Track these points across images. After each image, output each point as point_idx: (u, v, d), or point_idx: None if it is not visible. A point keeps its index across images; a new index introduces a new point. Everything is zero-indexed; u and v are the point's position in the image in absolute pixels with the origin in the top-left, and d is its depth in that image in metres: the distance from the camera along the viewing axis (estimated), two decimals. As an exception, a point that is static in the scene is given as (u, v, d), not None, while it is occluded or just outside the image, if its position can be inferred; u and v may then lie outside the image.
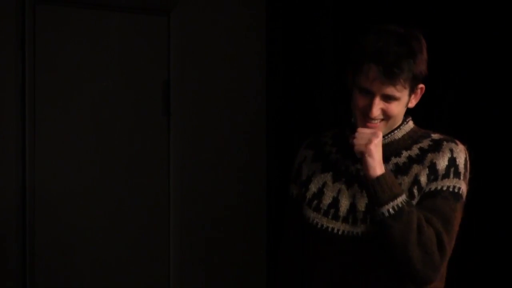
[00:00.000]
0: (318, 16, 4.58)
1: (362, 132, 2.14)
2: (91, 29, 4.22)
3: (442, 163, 2.16)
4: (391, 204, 2.07)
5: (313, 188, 2.29)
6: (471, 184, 2.23)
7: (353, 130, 2.22)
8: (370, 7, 4.26)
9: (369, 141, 2.11)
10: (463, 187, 2.17)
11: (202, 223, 4.58)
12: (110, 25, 4.28)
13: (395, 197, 2.08)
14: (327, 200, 2.25)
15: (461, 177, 2.17)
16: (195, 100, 4.55)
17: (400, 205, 2.07)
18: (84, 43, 4.20)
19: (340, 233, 2.20)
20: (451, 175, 2.16)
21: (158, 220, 4.46)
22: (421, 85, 2.20)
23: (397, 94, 2.14)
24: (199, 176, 4.57)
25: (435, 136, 2.24)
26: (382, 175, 2.09)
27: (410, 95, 2.19)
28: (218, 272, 4.63)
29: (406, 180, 2.17)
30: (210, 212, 4.61)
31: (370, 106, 2.16)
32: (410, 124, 2.28)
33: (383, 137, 2.21)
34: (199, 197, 4.57)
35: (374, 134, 2.13)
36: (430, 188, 2.15)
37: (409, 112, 2.29)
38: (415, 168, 2.18)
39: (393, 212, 2.07)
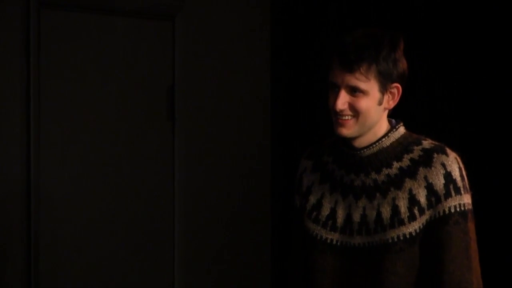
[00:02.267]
0: (323, 22, 4.58)
1: None
2: (96, 33, 4.23)
3: (438, 182, 2.12)
4: None
5: (312, 199, 2.29)
6: (474, 188, 2.21)
7: (343, 140, 2.22)
8: (377, 13, 4.27)
9: None
10: (466, 200, 2.14)
11: (206, 226, 4.59)
12: (115, 29, 4.29)
13: None
14: (325, 211, 2.25)
15: (462, 191, 2.14)
16: (200, 105, 4.56)
17: None
18: (89, 47, 4.21)
19: (338, 244, 2.20)
20: (453, 193, 2.12)
21: (163, 223, 4.47)
22: (396, 84, 2.15)
23: (361, 85, 2.10)
24: (203, 179, 4.58)
25: (426, 144, 2.19)
26: None
27: (382, 93, 2.13)
28: (222, 275, 4.65)
29: (400, 195, 2.14)
30: (214, 215, 4.62)
31: (335, 100, 2.13)
32: (401, 131, 2.23)
33: (371, 145, 2.19)
34: (203, 200, 4.58)
35: None
36: (439, 213, 2.12)
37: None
38: (408, 183, 2.14)
39: None
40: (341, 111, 2.12)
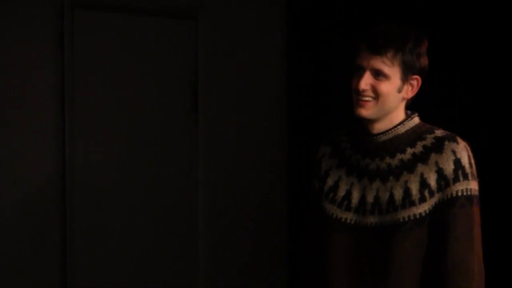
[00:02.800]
0: (338, 20, 4.60)
1: None
2: (126, 31, 4.30)
3: (448, 167, 2.20)
4: None
5: (330, 182, 2.38)
6: (480, 181, 2.27)
7: (362, 126, 2.31)
8: (392, 13, 4.26)
9: None
10: (473, 186, 2.22)
11: (229, 213, 4.66)
12: (143, 28, 4.36)
13: None
14: (341, 192, 2.34)
15: (469, 177, 2.22)
16: (221, 98, 4.63)
17: None
18: (119, 44, 4.28)
19: (352, 222, 2.29)
20: (461, 178, 2.20)
21: (187, 210, 4.53)
22: (416, 76, 2.24)
23: (385, 69, 2.19)
24: (225, 165, 4.65)
25: (438, 132, 2.27)
26: None
27: (403, 81, 2.23)
28: (242, 262, 4.72)
29: (412, 178, 2.22)
30: (236, 202, 4.67)
31: (359, 81, 2.21)
32: (415, 120, 2.30)
33: (387, 131, 2.27)
34: (226, 187, 4.64)
35: None
36: (447, 196, 2.20)
37: (417, 109, 2.34)
38: (420, 167, 2.22)
39: None
40: (363, 91, 2.21)
